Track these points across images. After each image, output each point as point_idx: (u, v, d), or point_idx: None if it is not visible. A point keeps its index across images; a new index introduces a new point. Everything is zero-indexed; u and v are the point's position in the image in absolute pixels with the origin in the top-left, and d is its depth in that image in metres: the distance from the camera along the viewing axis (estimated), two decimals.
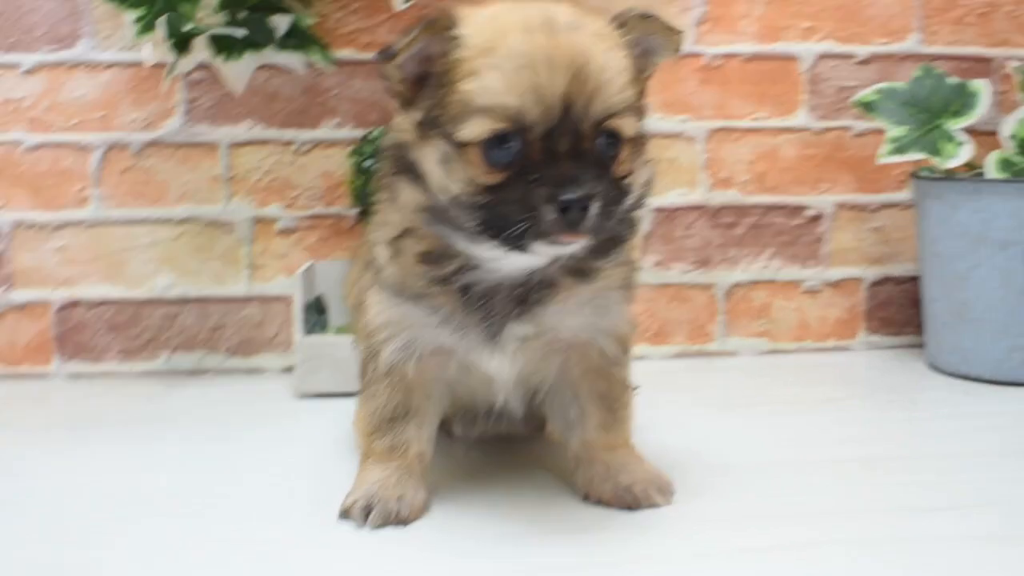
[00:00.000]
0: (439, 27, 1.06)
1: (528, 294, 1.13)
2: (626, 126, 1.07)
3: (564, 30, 1.05)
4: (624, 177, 1.09)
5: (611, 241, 1.12)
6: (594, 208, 1.01)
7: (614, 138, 1.07)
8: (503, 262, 1.10)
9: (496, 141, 1.03)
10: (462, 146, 1.05)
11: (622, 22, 1.12)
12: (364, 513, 1.14)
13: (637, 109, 1.11)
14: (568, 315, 1.17)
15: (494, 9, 1.11)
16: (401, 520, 1.14)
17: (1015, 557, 1.06)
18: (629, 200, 1.11)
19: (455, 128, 1.04)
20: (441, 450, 1.31)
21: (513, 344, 1.15)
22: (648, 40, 1.14)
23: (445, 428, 1.39)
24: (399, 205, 1.13)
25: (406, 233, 1.14)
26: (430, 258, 1.13)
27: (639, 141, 1.13)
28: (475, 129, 1.03)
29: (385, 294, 1.18)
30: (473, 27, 1.07)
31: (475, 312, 1.13)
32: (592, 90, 1.04)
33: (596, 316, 1.19)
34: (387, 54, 1.06)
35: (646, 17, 1.13)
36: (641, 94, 1.14)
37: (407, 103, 1.10)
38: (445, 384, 1.23)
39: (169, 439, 1.50)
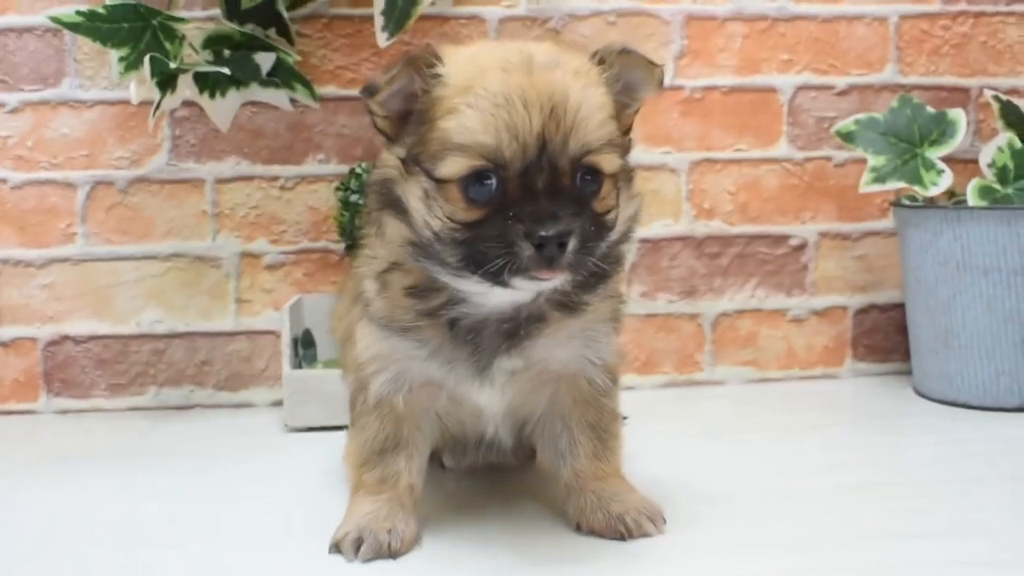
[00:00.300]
0: (420, 64, 1.08)
1: (517, 328, 1.13)
2: (605, 162, 1.08)
3: (541, 69, 1.06)
4: (605, 213, 1.09)
5: (597, 276, 1.12)
6: (571, 244, 1.02)
7: (594, 174, 1.07)
8: (488, 297, 1.10)
9: (474, 178, 1.04)
10: (442, 183, 1.06)
11: (602, 59, 1.12)
12: (355, 546, 1.13)
13: (619, 145, 1.11)
14: (557, 348, 1.17)
15: (476, 48, 1.13)
16: (392, 553, 1.14)
17: None
18: (612, 236, 1.12)
19: (434, 165, 1.06)
20: (432, 482, 1.30)
21: (502, 377, 1.16)
22: (629, 76, 1.14)
23: (436, 459, 1.39)
24: (386, 240, 1.14)
25: (393, 267, 1.15)
26: (417, 292, 1.13)
27: (623, 176, 1.14)
28: (453, 167, 1.04)
29: (374, 327, 1.18)
30: (454, 65, 1.08)
31: (464, 346, 1.14)
32: (568, 128, 1.04)
33: (585, 348, 1.19)
34: (370, 90, 1.08)
35: (626, 53, 1.13)
36: (625, 130, 1.15)
37: (391, 139, 1.11)
38: (435, 416, 1.23)
39: (158, 474, 1.50)
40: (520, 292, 1.08)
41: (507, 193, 1.04)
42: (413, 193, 1.08)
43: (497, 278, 1.04)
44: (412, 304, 1.14)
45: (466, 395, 1.18)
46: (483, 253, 1.04)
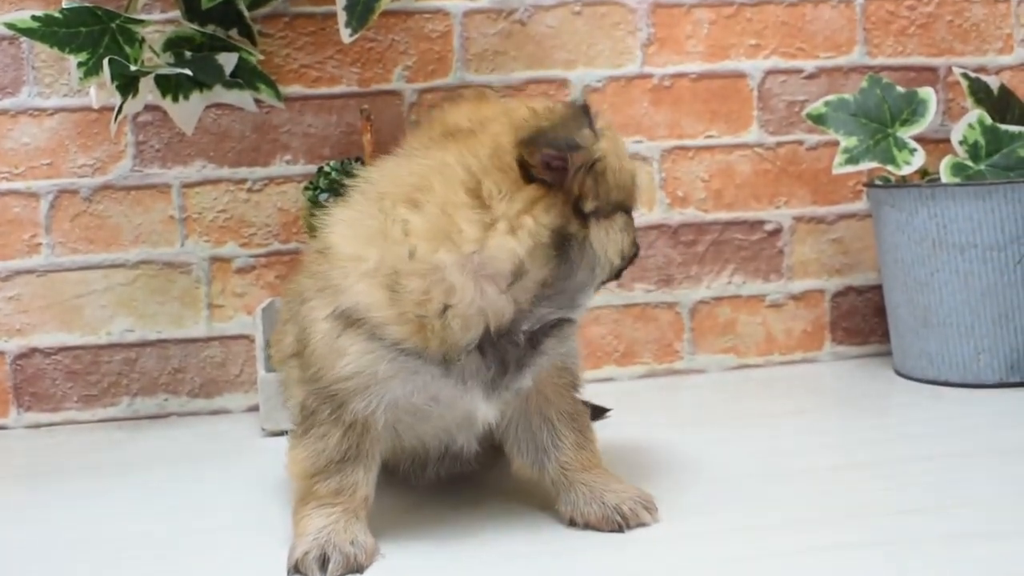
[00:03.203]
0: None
1: (536, 337, 1.12)
2: None
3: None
4: None
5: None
6: None
7: None
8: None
9: None
10: None
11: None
12: (319, 563, 1.07)
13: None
14: (552, 348, 1.16)
15: None
16: (357, 566, 1.08)
17: (996, 553, 1.06)
18: None
19: None
20: (394, 492, 1.28)
21: (513, 392, 1.13)
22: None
23: (389, 471, 1.32)
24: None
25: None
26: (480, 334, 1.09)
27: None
28: None
29: (361, 345, 1.09)
30: None
31: (486, 365, 1.10)
32: None
33: (559, 344, 1.17)
34: None
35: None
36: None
37: None
38: (392, 430, 1.17)
39: (134, 485, 1.47)
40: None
41: None
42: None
43: None
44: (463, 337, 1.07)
45: (469, 409, 1.14)
46: None
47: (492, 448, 1.31)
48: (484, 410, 1.13)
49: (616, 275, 1.18)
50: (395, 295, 1.05)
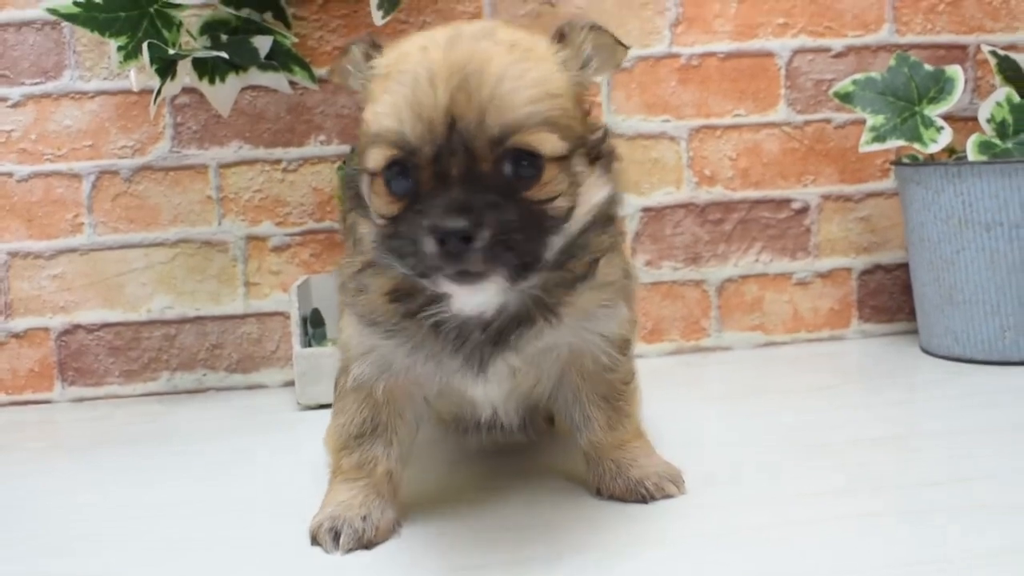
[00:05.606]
0: (353, 55, 1.05)
1: (505, 329, 1.06)
2: (542, 142, 0.95)
3: (465, 41, 0.96)
4: (546, 201, 0.97)
5: (569, 272, 1.05)
6: (480, 240, 0.90)
7: (528, 157, 0.95)
8: (457, 298, 1.02)
9: (394, 169, 0.96)
10: (372, 177, 0.99)
11: (562, 35, 1.05)
12: (332, 536, 1.09)
13: (565, 125, 0.98)
14: (562, 334, 1.11)
15: (419, 33, 1.04)
16: (368, 542, 1.09)
17: (1014, 523, 1.08)
18: (569, 225, 1.01)
19: (364, 159, 0.99)
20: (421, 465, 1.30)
21: (500, 374, 1.11)
22: (593, 53, 1.06)
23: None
24: (356, 238, 1.09)
25: (367, 267, 1.08)
26: (397, 295, 1.06)
27: (584, 158, 1.03)
28: (373, 159, 0.97)
29: (354, 319, 1.12)
30: (387, 53, 1.03)
31: (451, 345, 1.07)
32: (485, 102, 0.93)
33: (588, 330, 1.14)
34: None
35: (593, 29, 1.05)
36: (582, 110, 1.05)
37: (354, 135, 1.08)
38: (422, 401, 1.17)
39: (173, 457, 1.52)
40: (483, 294, 0.99)
41: (420, 182, 0.95)
42: (363, 189, 1.04)
43: (425, 278, 0.95)
44: (394, 307, 1.07)
45: (459, 389, 1.14)
46: (398, 251, 0.95)
47: (544, 420, 1.34)
48: (478, 393, 1.14)
49: None
50: None
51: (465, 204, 0.91)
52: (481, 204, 0.91)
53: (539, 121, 0.95)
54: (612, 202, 1.08)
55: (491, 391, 1.14)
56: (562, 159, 0.98)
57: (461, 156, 0.93)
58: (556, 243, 1.00)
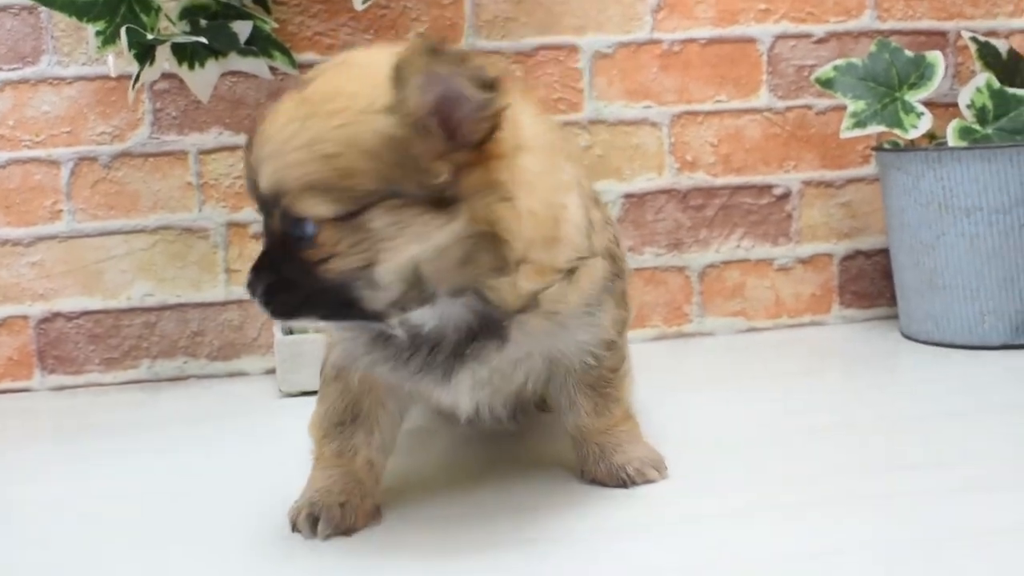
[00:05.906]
0: None
1: (461, 341, 1.04)
2: (307, 208, 0.92)
3: (290, 93, 0.98)
4: (319, 262, 0.94)
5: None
6: (257, 293, 0.98)
7: (297, 220, 0.94)
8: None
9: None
10: None
11: (395, 74, 0.92)
12: (311, 522, 1.09)
13: (336, 187, 0.91)
14: (529, 346, 1.09)
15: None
16: (347, 528, 1.10)
17: (993, 504, 1.09)
18: (352, 282, 0.95)
19: None
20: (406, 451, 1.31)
21: (468, 383, 1.09)
22: (444, 87, 0.91)
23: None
24: None
25: None
26: None
27: (412, 205, 0.92)
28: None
29: None
30: None
31: (406, 354, 1.06)
32: (257, 165, 0.96)
33: (562, 339, 1.12)
34: None
35: (425, 69, 0.90)
36: (417, 156, 0.92)
37: None
38: (405, 392, 1.16)
39: (155, 445, 1.51)
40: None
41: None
42: None
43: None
44: None
45: (428, 394, 1.14)
46: None
47: (536, 406, 1.35)
48: (448, 400, 1.13)
49: None
50: None
51: (259, 260, 0.99)
52: (268, 260, 0.99)
53: (302, 186, 0.92)
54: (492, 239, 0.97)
55: (462, 398, 1.12)
56: (344, 219, 0.92)
57: (264, 214, 0.99)
58: (371, 295, 0.96)
